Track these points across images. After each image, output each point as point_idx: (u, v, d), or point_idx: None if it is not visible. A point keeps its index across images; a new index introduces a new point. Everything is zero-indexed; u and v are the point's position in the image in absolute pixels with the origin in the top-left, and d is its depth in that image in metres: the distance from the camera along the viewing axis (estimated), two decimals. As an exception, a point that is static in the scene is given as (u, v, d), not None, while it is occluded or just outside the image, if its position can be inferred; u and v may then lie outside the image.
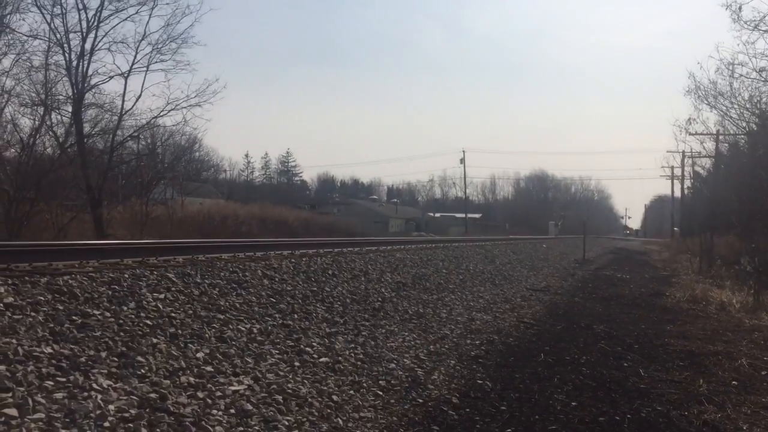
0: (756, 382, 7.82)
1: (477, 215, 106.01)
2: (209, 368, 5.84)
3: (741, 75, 21.95)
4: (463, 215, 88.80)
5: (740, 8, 19.60)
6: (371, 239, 23.41)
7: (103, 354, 5.37)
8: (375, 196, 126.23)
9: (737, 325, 12.37)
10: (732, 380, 7.82)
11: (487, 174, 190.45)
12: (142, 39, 24.98)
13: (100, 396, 4.62)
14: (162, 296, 7.21)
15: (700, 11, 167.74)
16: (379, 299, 10.85)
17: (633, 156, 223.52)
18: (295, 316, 8.41)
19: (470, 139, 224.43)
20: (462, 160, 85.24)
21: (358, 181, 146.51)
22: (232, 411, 5.08)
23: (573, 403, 6.51)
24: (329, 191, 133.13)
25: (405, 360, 7.75)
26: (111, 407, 4.53)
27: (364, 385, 6.54)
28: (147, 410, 4.68)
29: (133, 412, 4.60)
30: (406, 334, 9.18)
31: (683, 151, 44.81)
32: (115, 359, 5.38)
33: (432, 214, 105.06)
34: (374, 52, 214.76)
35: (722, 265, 24.11)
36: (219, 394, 5.34)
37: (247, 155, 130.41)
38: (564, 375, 7.71)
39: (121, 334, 5.89)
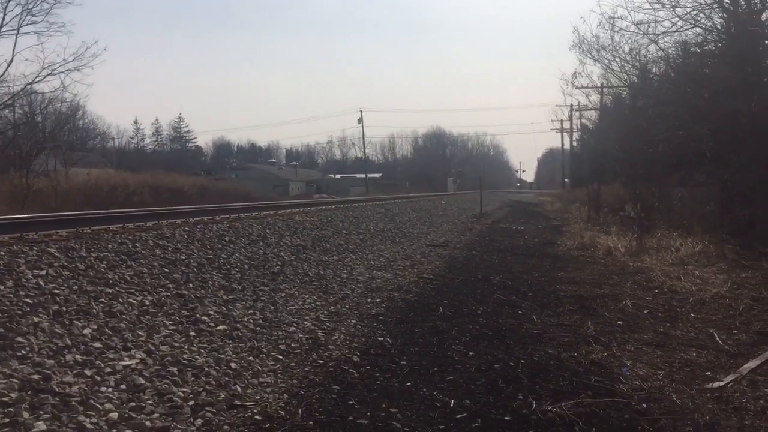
0: (639, 320, 8.30)
1: (377, 175, 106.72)
2: (97, 344, 5.58)
3: (621, 29, 22.71)
4: (364, 175, 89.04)
5: (619, -37, 20.53)
6: (270, 203, 23.12)
7: (-23, 337, 5.03)
8: (274, 160, 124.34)
9: (622, 268, 13.09)
10: (617, 320, 8.28)
11: (386, 133, 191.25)
12: (11, -1, 23.13)
13: (-26, 382, 4.33)
14: (43, 272, 6.82)
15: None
16: (279, 263, 10.72)
17: (526, 111, 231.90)
18: (191, 285, 8.17)
19: (368, 99, 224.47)
20: (360, 120, 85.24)
21: (256, 145, 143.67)
22: (123, 386, 4.88)
23: (470, 353, 6.69)
24: (226, 156, 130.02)
25: (305, 322, 7.70)
26: (-13, 393, 4.25)
27: (264, 350, 6.45)
28: (29, 393, 4.43)
29: (13, 395, 4.34)
30: (307, 296, 9.13)
31: (571, 105, 46.81)
32: (-9, 342, 5.05)
33: (333, 176, 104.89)
34: (266, 12, 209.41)
35: (609, 212, 25.39)
36: (108, 370, 5.11)
37: (136, 122, 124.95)
38: (462, 326, 7.90)
39: (-2, 315, 5.53)
